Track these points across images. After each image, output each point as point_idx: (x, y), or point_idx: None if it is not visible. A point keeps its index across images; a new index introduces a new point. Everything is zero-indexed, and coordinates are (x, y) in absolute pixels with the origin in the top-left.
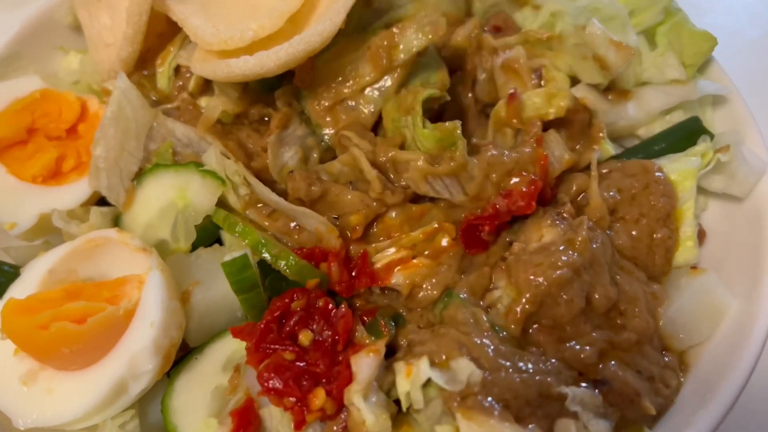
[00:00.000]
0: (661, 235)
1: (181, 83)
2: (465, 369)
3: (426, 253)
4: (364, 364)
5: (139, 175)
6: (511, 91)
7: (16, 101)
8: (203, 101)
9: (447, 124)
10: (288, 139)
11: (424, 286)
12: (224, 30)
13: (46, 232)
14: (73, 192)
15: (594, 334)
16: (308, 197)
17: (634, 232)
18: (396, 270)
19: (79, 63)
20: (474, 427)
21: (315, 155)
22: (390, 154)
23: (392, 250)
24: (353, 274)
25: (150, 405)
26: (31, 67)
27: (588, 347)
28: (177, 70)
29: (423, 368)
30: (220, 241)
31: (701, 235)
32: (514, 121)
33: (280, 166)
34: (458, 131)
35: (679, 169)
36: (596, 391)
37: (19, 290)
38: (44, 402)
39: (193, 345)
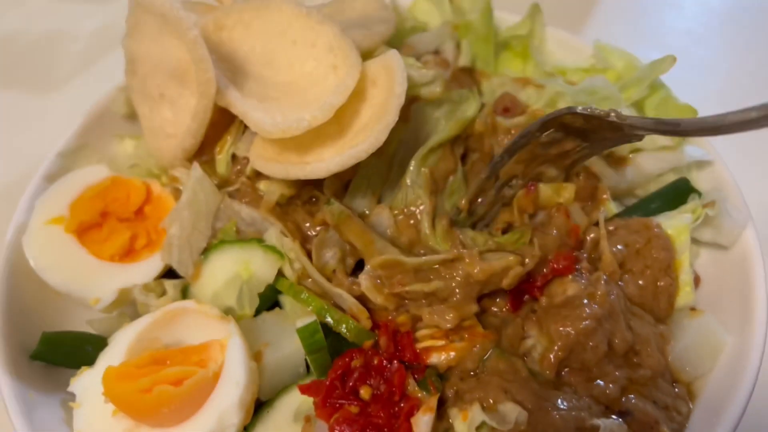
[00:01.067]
0: (664, 283)
1: (239, 168)
2: (512, 411)
3: (465, 337)
4: (423, 422)
5: (206, 250)
6: (531, 186)
7: (89, 188)
8: (261, 185)
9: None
10: (329, 241)
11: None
12: (281, 121)
13: (123, 305)
14: (146, 267)
15: (617, 373)
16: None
17: (640, 282)
18: (433, 352)
19: (133, 148)
20: None
21: (350, 261)
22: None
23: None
24: (398, 347)
25: None
26: (94, 155)
27: (612, 384)
28: (233, 157)
29: (476, 412)
30: (275, 305)
31: (696, 281)
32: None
33: (323, 265)
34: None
35: (674, 225)
36: (621, 421)
37: (110, 358)
38: None
39: (264, 399)
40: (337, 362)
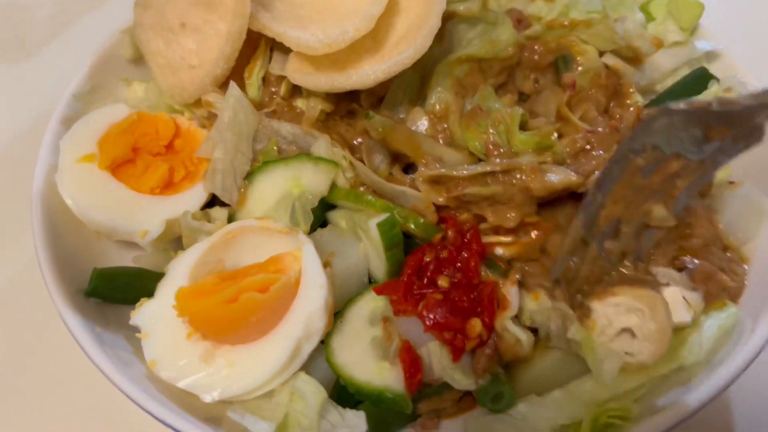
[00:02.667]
0: None
1: (273, 89)
2: None
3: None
4: (514, 292)
5: (249, 174)
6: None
7: (114, 125)
8: (299, 102)
9: (543, 128)
10: (376, 147)
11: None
12: (324, 36)
13: (170, 238)
14: (190, 198)
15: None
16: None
17: None
18: (497, 246)
19: (144, 91)
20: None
21: (398, 166)
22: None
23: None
24: (465, 240)
25: (310, 366)
26: (109, 97)
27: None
28: (263, 80)
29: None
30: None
31: None
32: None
33: (375, 169)
34: (555, 135)
35: None
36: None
37: (171, 285)
38: (227, 376)
39: (336, 309)
40: (409, 259)
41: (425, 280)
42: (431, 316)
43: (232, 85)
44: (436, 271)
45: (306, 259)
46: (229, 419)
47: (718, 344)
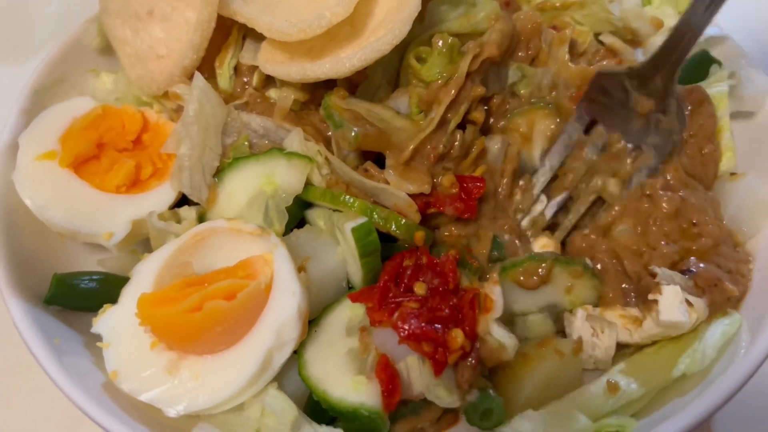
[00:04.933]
0: (708, 150)
1: (246, 80)
2: None
3: None
4: (498, 293)
5: (219, 171)
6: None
7: (77, 120)
8: (272, 93)
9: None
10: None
11: None
12: (298, 21)
13: (137, 240)
14: (157, 197)
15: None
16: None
17: (688, 151)
18: None
19: (112, 82)
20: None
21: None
22: None
23: None
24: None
25: (284, 378)
26: (73, 91)
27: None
28: (235, 70)
29: None
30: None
31: None
32: None
33: (343, 158)
34: None
35: (713, 93)
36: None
37: (136, 291)
38: (192, 388)
39: (311, 317)
40: (387, 265)
41: (402, 288)
42: (406, 326)
43: (197, 76)
44: (413, 277)
45: (278, 264)
46: None
47: (720, 353)
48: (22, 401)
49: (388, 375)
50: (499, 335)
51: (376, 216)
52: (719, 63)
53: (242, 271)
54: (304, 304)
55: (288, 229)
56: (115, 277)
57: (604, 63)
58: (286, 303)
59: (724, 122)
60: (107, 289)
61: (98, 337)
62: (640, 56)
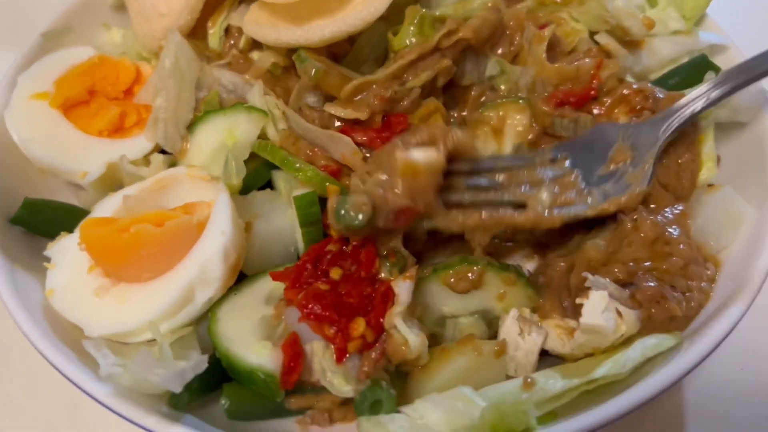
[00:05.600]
0: (684, 160)
1: (232, 42)
2: None
3: None
4: (404, 287)
5: (192, 124)
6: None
7: (75, 66)
8: (255, 55)
9: None
10: (307, 88)
11: None
12: None
13: (112, 183)
14: (136, 144)
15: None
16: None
17: (663, 160)
18: None
19: (121, 38)
20: None
21: None
22: None
23: None
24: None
25: (202, 327)
26: (81, 40)
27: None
28: (227, 30)
29: None
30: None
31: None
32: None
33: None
34: None
35: None
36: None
37: None
38: (115, 312)
39: (250, 273)
40: (312, 247)
41: (319, 271)
42: (309, 306)
43: (173, 32)
44: (332, 261)
45: (216, 206)
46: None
47: (651, 365)
48: None
49: (293, 352)
50: (405, 332)
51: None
52: (717, 69)
53: (183, 210)
54: (231, 246)
55: (254, 188)
56: (81, 211)
57: (587, 61)
58: (213, 240)
59: (708, 133)
60: (73, 220)
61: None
62: (631, 62)
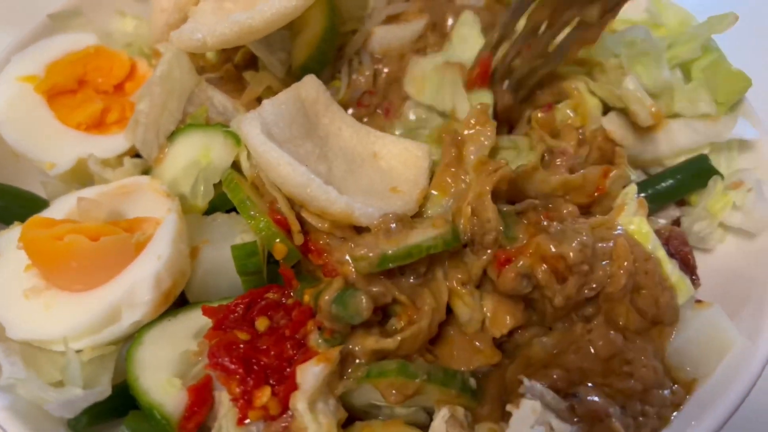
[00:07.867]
0: (664, 300)
1: (227, 55)
2: None
3: None
4: (311, 373)
5: (173, 134)
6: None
7: (71, 53)
8: (248, 75)
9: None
10: None
11: None
12: None
13: (82, 179)
14: (113, 143)
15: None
16: None
17: (639, 305)
18: None
19: (134, 27)
20: None
21: None
22: None
23: None
24: None
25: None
26: (90, 25)
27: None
28: None
29: None
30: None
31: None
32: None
33: None
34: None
35: (636, 231)
36: (564, 399)
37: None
38: (40, 317)
39: (193, 300)
40: (251, 291)
41: (249, 316)
42: (218, 356)
43: (173, 41)
44: (263, 309)
45: (162, 227)
46: None
47: None
48: None
49: (199, 397)
50: (308, 419)
51: (247, 207)
52: (721, 175)
53: (128, 225)
54: (165, 272)
55: (221, 210)
56: (41, 202)
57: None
58: (147, 264)
59: (660, 255)
60: (29, 209)
61: None
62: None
